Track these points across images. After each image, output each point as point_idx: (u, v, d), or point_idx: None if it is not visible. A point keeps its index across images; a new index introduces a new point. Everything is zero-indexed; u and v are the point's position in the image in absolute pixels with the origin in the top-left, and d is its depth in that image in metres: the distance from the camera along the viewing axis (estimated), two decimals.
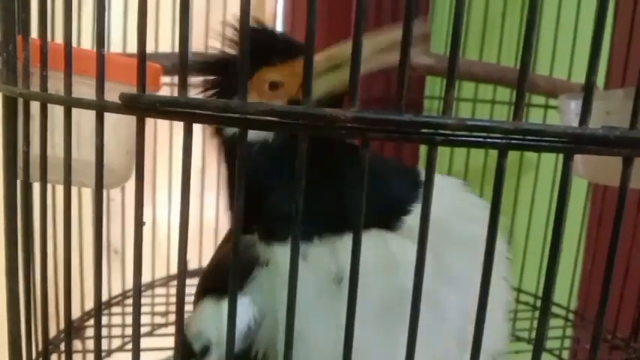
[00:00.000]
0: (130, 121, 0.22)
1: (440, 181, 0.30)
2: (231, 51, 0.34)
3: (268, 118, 0.19)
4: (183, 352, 0.28)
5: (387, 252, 0.28)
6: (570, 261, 0.65)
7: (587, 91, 0.19)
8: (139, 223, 0.23)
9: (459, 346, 0.28)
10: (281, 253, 0.28)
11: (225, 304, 0.26)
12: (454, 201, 0.31)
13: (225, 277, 0.23)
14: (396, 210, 0.30)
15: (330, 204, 0.30)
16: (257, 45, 0.29)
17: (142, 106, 0.21)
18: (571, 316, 0.66)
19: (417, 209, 0.29)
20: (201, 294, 0.32)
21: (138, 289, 0.24)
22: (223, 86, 0.34)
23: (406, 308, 0.21)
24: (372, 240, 0.28)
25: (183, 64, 0.20)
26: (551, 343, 0.62)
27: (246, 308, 0.29)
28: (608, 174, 0.51)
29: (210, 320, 0.30)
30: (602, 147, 0.19)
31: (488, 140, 0.19)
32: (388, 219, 0.29)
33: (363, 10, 0.18)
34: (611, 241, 0.20)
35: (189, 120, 0.21)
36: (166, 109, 0.21)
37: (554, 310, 0.65)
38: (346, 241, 0.28)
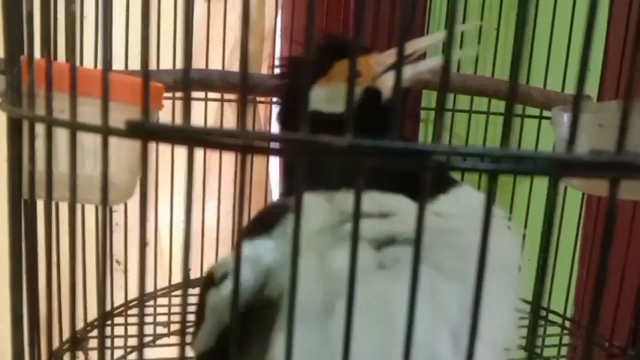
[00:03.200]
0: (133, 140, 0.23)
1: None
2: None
3: (267, 144, 0.20)
4: (205, 285, 0.33)
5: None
6: (566, 269, 0.66)
7: (574, 117, 0.20)
8: (142, 244, 0.24)
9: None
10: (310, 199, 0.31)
11: (254, 242, 0.31)
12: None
13: (260, 222, 0.29)
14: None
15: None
16: (336, 42, 0.39)
17: (147, 132, 0.22)
18: (567, 323, 0.66)
19: (453, 194, 0.34)
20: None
21: (142, 304, 0.25)
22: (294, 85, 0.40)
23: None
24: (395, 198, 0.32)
25: (187, 92, 0.21)
26: (549, 350, 0.62)
27: (269, 250, 0.31)
28: (602, 186, 0.51)
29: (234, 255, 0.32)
30: (589, 171, 0.20)
31: (479, 166, 0.20)
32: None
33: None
34: (601, 257, 0.21)
35: (191, 145, 0.21)
36: (170, 135, 0.21)
37: (551, 317, 0.66)
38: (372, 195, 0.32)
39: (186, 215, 0.22)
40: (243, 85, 0.21)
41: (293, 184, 0.37)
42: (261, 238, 0.32)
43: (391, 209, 0.32)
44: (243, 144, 0.20)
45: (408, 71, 0.38)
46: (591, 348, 0.22)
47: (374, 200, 0.31)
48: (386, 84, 0.38)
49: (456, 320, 0.30)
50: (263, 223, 0.33)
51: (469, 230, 0.31)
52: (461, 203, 0.34)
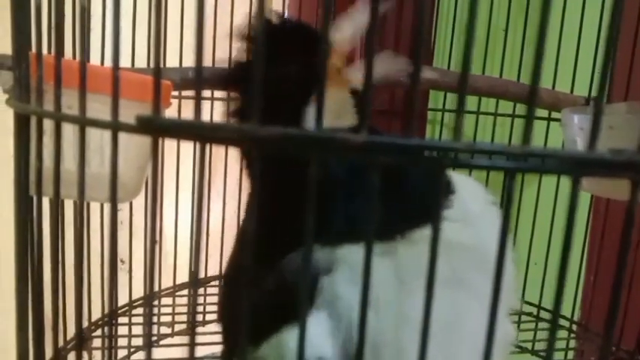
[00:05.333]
0: (142, 138, 0.22)
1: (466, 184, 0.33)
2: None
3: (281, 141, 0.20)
4: None
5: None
6: (574, 272, 0.65)
7: (596, 117, 0.19)
8: (152, 241, 0.23)
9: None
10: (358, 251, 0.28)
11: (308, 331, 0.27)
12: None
13: (272, 303, 0.25)
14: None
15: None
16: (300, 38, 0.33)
17: (157, 128, 0.21)
18: (575, 327, 0.66)
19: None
20: (255, 331, 0.29)
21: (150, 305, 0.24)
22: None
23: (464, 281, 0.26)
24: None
25: (198, 90, 0.20)
26: (555, 354, 0.62)
27: (325, 322, 0.28)
28: (611, 188, 0.51)
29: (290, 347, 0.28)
30: (609, 170, 0.20)
31: (498, 164, 0.19)
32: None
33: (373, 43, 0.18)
34: (618, 262, 0.21)
35: (203, 142, 0.21)
36: (182, 131, 0.21)
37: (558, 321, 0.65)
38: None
39: (197, 212, 0.22)
40: (254, 84, 0.20)
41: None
42: (310, 321, 0.28)
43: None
44: (256, 141, 0.20)
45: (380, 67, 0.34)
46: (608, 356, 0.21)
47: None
48: (356, 79, 0.34)
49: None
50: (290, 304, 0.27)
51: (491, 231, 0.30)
52: (470, 198, 0.33)
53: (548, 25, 0.19)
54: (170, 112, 0.48)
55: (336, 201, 0.30)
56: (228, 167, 0.70)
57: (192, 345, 0.24)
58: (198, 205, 0.22)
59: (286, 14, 0.76)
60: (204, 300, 0.67)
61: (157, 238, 0.24)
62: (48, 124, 0.27)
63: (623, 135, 0.48)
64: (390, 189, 0.27)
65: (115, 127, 0.23)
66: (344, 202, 0.30)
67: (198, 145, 0.21)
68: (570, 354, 0.64)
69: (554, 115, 0.64)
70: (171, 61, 0.58)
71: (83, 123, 0.25)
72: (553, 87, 0.64)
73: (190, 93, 0.56)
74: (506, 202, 0.19)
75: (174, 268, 0.66)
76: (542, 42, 0.19)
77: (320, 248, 0.30)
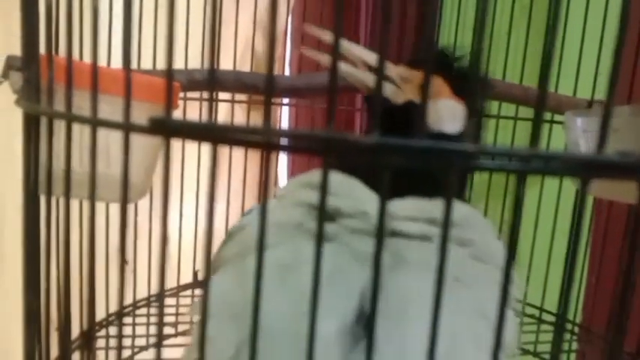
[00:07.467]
0: (149, 139, 0.23)
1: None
2: None
3: (292, 142, 0.20)
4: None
5: None
6: (576, 274, 0.66)
7: (605, 118, 0.20)
8: (163, 240, 0.23)
9: None
10: None
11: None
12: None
13: None
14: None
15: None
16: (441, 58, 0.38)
17: (170, 129, 0.22)
18: (577, 329, 0.66)
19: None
20: None
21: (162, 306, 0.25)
22: None
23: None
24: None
25: (211, 91, 0.20)
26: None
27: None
28: (613, 189, 0.51)
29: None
30: (617, 172, 0.20)
31: (507, 166, 0.19)
32: None
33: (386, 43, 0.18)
34: (627, 264, 0.21)
35: (215, 142, 0.21)
36: (193, 132, 0.21)
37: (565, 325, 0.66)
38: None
39: (208, 214, 0.22)
40: (268, 85, 0.20)
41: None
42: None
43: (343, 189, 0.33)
44: (268, 141, 0.20)
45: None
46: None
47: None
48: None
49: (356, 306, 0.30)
50: None
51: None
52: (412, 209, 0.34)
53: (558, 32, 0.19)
54: (175, 113, 0.48)
55: None
56: (232, 168, 0.70)
57: (202, 345, 0.24)
58: (209, 206, 0.22)
59: (290, 17, 0.77)
60: None
61: (168, 237, 0.24)
62: (58, 125, 0.28)
63: (627, 137, 0.48)
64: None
65: (127, 128, 0.24)
66: None
67: (209, 146, 0.21)
68: (572, 356, 0.64)
69: (557, 117, 0.64)
70: (177, 62, 0.59)
71: (95, 124, 0.25)
72: (556, 90, 0.64)
73: (195, 94, 0.57)
74: (516, 204, 0.20)
75: (178, 269, 0.66)
76: (551, 43, 0.19)
77: None
